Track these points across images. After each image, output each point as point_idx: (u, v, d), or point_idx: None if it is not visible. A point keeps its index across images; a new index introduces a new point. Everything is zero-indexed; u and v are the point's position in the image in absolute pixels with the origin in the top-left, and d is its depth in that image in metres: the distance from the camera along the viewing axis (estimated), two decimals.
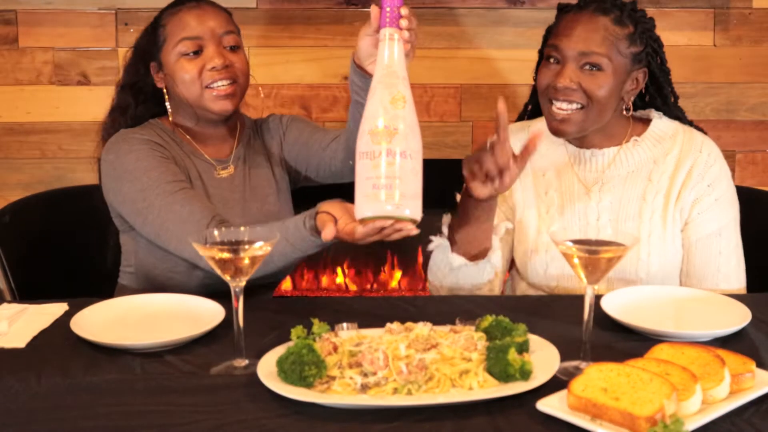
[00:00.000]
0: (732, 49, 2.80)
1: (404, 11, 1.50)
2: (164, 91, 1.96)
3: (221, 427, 1.21)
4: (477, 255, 1.81)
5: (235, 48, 1.94)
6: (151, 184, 1.81)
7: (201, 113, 1.94)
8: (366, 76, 1.67)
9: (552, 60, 1.83)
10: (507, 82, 2.80)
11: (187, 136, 1.98)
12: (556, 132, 1.84)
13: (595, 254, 1.34)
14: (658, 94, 1.94)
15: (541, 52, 1.96)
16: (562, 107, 1.80)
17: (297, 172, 2.09)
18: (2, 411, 1.26)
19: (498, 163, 1.64)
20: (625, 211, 1.88)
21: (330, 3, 2.72)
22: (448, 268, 1.83)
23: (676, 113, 1.97)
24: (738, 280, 1.90)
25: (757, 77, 2.82)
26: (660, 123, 1.93)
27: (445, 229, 1.84)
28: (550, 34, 1.88)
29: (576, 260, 1.35)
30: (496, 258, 1.83)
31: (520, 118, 2.07)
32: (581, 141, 1.91)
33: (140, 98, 1.98)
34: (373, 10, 1.55)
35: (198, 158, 1.96)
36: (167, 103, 1.97)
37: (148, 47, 1.95)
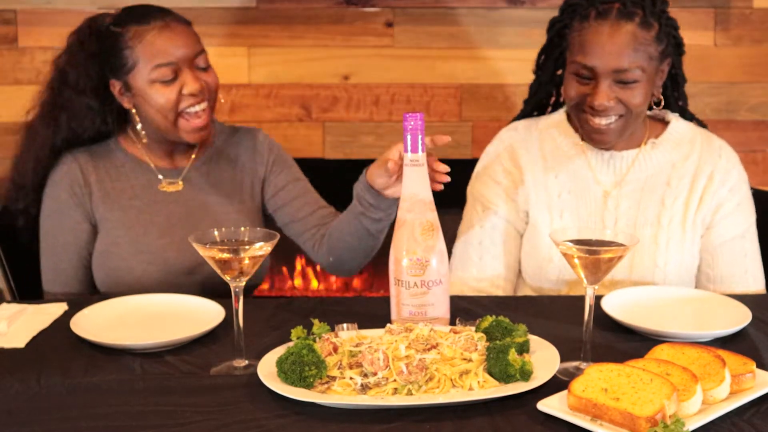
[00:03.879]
0: (732, 49, 2.80)
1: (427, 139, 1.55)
2: (132, 111, 1.89)
3: (221, 427, 1.21)
4: None
5: (206, 68, 1.88)
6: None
7: (169, 136, 1.88)
8: (381, 196, 1.70)
9: (582, 76, 1.78)
10: (507, 82, 2.80)
11: (138, 147, 1.94)
12: (596, 142, 1.84)
13: (596, 254, 1.33)
14: (672, 81, 1.90)
15: (545, 50, 1.94)
16: (601, 122, 1.78)
17: (269, 213, 2.03)
18: (2, 411, 1.26)
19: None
20: (644, 217, 1.86)
21: (330, 3, 2.72)
22: None
23: (684, 102, 1.94)
24: (761, 281, 1.92)
25: (757, 77, 2.82)
26: (678, 125, 1.91)
27: None
28: (571, 44, 1.80)
29: (576, 260, 1.35)
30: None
31: (522, 117, 2.03)
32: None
33: (108, 103, 1.90)
34: (391, 164, 1.59)
35: (142, 173, 1.93)
36: (134, 123, 1.91)
37: (109, 62, 1.86)
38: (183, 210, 1.93)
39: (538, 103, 2.01)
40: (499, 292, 1.90)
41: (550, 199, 1.89)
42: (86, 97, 1.88)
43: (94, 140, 1.94)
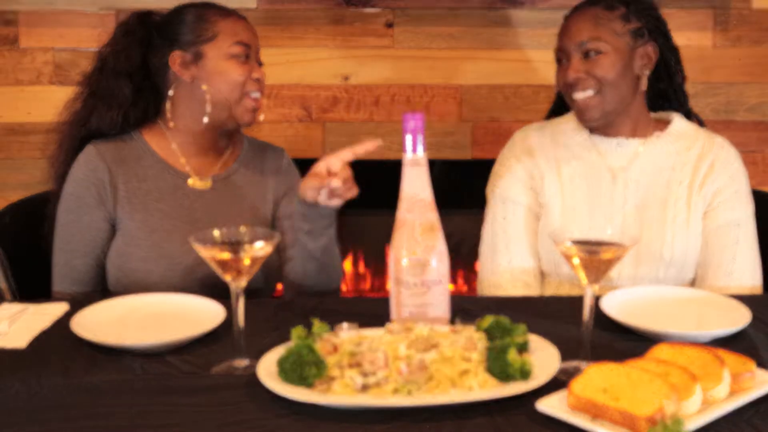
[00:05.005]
0: (731, 50, 2.80)
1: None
2: (172, 86, 1.93)
3: (221, 427, 1.21)
4: None
5: (261, 65, 1.99)
6: (58, 241, 1.93)
7: (219, 117, 1.92)
8: (311, 206, 1.76)
9: (562, 61, 1.93)
10: (507, 83, 2.80)
11: (172, 146, 1.96)
12: (582, 120, 1.95)
13: (595, 254, 1.34)
14: (665, 73, 1.99)
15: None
16: (578, 97, 1.90)
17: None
18: (2, 411, 1.26)
19: None
20: (651, 197, 1.94)
21: (330, 3, 2.72)
22: None
23: (683, 99, 2.03)
24: (752, 277, 1.93)
25: (756, 77, 2.82)
26: (681, 122, 2.00)
27: None
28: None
29: (576, 260, 1.35)
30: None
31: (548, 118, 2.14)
32: (607, 131, 1.97)
33: (142, 90, 1.93)
34: (336, 182, 1.68)
35: (170, 176, 1.94)
36: (168, 103, 1.94)
37: (177, 34, 1.91)
38: (209, 218, 1.92)
39: (557, 114, 2.12)
40: (530, 279, 1.97)
41: (563, 185, 1.97)
42: (121, 80, 1.93)
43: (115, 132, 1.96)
